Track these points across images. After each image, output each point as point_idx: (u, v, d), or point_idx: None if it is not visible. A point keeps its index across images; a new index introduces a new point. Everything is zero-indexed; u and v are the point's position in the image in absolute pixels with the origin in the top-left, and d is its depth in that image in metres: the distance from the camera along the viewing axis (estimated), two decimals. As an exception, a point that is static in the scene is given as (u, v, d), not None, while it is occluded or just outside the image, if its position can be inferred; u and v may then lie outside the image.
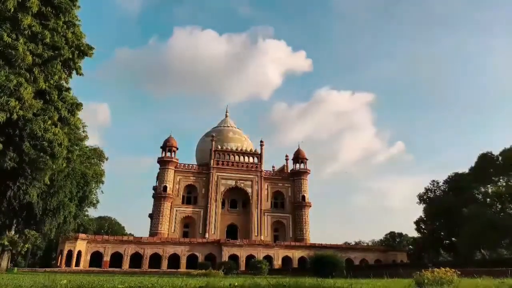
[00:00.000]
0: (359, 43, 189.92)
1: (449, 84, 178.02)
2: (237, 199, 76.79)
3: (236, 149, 78.86)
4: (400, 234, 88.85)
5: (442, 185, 60.98)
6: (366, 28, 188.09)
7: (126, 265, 55.63)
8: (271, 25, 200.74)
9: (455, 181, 57.57)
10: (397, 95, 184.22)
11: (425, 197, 62.26)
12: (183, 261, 57.98)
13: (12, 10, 15.05)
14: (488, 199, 51.00)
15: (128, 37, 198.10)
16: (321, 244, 64.52)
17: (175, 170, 73.03)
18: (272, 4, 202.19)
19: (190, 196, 74.36)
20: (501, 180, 50.13)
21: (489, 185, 51.34)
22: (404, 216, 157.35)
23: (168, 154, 73.41)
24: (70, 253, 54.02)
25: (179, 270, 52.00)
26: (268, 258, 58.53)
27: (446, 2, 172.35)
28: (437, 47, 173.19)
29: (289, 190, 77.64)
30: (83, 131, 31.91)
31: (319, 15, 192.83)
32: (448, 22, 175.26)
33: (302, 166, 79.37)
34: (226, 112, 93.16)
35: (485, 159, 51.21)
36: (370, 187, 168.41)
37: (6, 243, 48.19)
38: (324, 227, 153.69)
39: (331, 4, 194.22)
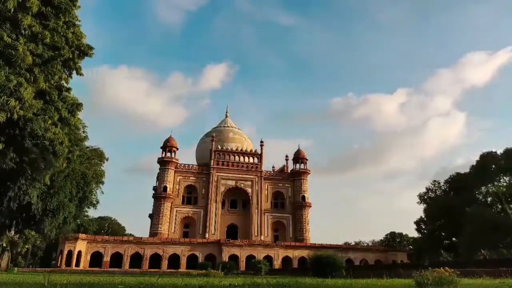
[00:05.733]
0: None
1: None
2: (237, 199, 76.75)
3: (236, 149, 78.84)
4: (400, 234, 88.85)
5: (443, 185, 60.85)
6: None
7: (126, 265, 55.62)
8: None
9: (456, 181, 57.38)
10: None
11: (425, 197, 62.19)
12: (183, 261, 57.96)
13: (12, 10, 15.05)
14: (489, 199, 50.92)
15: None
16: (321, 244, 64.48)
17: (175, 170, 73.00)
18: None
19: (190, 196, 74.33)
20: (501, 180, 50.03)
21: (490, 185, 51.24)
22: (404, 216, 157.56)
23: (168, 154, 73.39)
24: (70, 253, 54.03)
25: (179, 270, 52.03)
26: (268, 258, 58.52)
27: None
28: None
29: (289, 190, 77.59)
30: (83, 132, 31.88)
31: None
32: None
33: (302, 166, 79.34)
34: (226, 112, 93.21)
35: (486, 159, 51.09)
36: (372, 187, 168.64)
37: (5, 244, 48.29)
38: (324, 227, 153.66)
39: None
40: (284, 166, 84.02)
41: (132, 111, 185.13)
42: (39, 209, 24.91)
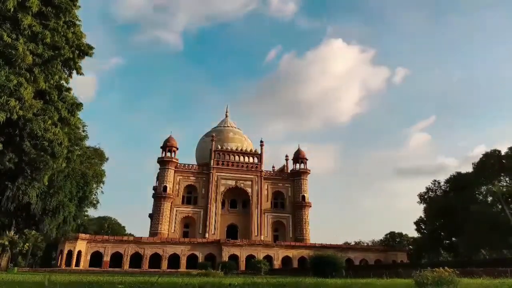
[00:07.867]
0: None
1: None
2: (237, 199, 76.74)
3: (236, 149, 78.82)
4: (400, 234, 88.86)
5: (443, 185, 60.81)
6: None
7: (126, 265, 55.59)
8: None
9: (456, 180, 57.31)
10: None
11: (425, 196, 62.17)
12: (183, 261, 57.94)
13: (12, 10, 15.04)
14: (489, 199, 50.87)
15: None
16: (321, 244, 64.42)
17: (175, 170, 72.99)
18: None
19: (190, 196, 74.31)
20: (502, 180, 49.97)
21: (490, 185, 51.19)
22: (404, 216, 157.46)
23: (168, 154, 73.38)
24: (70, 253, 54.02)
25: (179, 270, 51.98)
26: (268, 258, 58.51)
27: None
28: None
29: (289, 190, 77.58)
30: (83, 131, 31.85)
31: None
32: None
33: (302, 166, 79.33)
34: (226, 112, 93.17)
35: (488, 158, 50.95)
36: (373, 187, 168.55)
37: (6, 243, 48.29)
38: (324, 227, 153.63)
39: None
40: (284, 166, 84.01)
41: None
42: (38, 209, 24.88)
